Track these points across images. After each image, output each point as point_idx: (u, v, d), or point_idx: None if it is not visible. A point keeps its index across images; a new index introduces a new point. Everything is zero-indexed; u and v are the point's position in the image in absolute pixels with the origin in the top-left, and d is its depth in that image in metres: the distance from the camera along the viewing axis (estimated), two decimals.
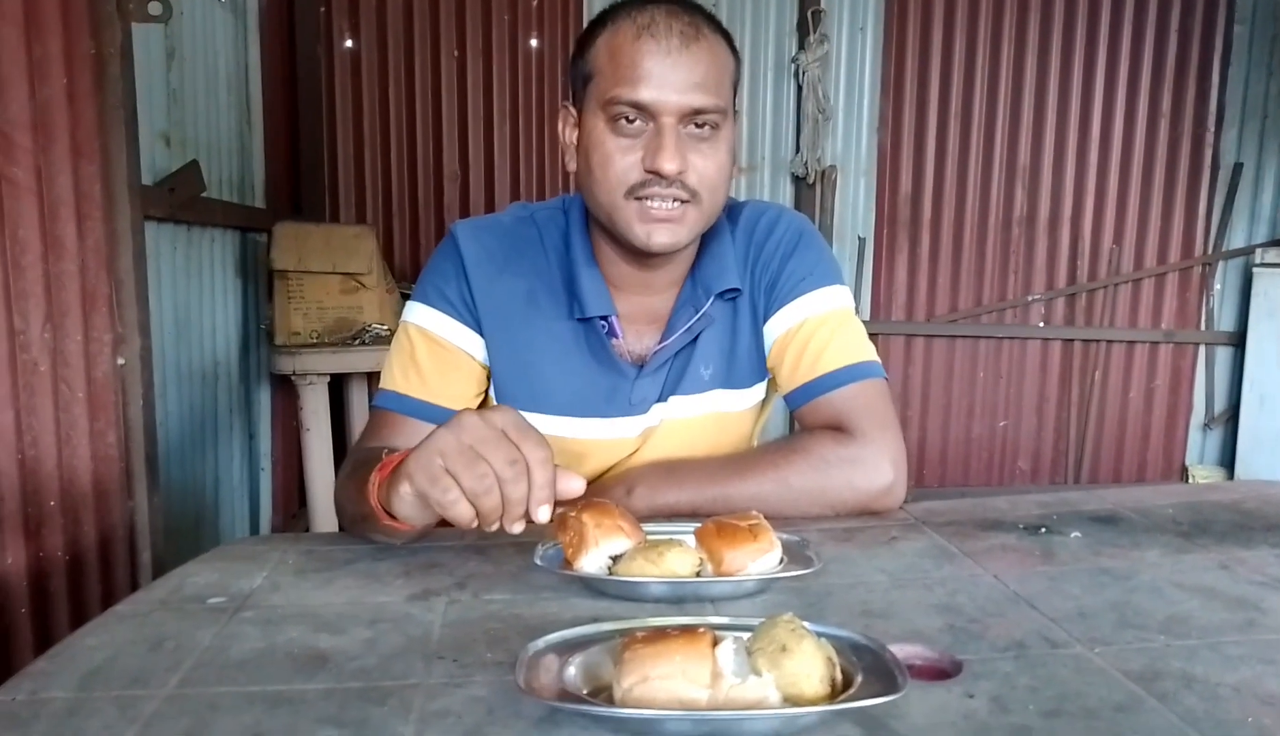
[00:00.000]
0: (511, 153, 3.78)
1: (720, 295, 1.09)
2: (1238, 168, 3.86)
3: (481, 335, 1.07)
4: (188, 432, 2.55)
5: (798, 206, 3.87)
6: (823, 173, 3.79)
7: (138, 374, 1.69)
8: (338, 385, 3.09)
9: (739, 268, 1.10)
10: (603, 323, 1.07)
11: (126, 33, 1.66)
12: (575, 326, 1.08)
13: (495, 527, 0.71)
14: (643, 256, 1.03)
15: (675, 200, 0.97)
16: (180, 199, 2.34)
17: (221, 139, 2.84)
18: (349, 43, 3.66)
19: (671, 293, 1.10)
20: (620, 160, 0.96)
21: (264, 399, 3.17)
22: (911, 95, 3.84)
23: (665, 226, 0.98)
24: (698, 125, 0.96)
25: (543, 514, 0.70)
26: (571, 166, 1.05)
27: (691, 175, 0.96)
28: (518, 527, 0.71)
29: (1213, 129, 3.85)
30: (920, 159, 3.88)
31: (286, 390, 3.07)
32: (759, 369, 1.14)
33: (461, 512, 0.70)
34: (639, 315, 1.10)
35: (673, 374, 1.10)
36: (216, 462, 2.77)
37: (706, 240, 1.09)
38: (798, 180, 3.84)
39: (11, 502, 1.37)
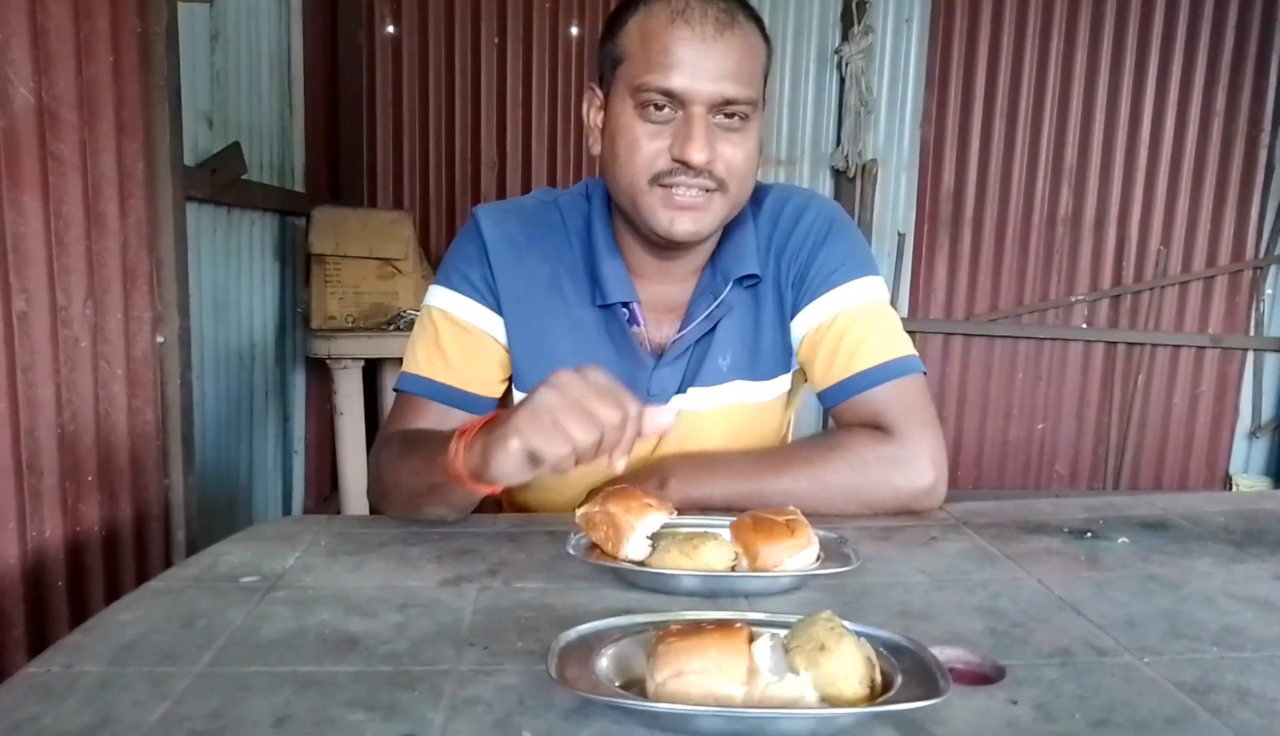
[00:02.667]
0: (550, 141, 3.77)
1: (739, 282, 1.06)
2: None
3: (503, 317, 1.06)
4: (224, 413, 2.58)
5: (837, 200, 3.82)
6: (863, 167, 3.74)
7: (176, 353, 1.71)
8: (372, 370, 3.11)
9: (760, 254, 1.07)
10: (624, 309, 1.05)
11: (173, 13, 1.67)
12: (596, 313, 1.06)
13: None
14: (664, 245, 1.01)
15: (701, 189, 0.95)
16: (221, 180, 2.36)
17: (263, 122, 2.86)
18: (391, 29, 3.67)
19: (691, 281, 1.08)
20: (647, 147, 0.94)
21: (299, 382, 3.20)
22: (956, 89, 3.77)
23: (689, 214, 0.96)
24: (727, 115, 0.94)
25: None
26: (595, 149, 1.03)
27: (719, 164, 0.94)
28: (619, 464, 0.77)
29: (1268, 129, 3.73)
30: (964, 154, 3.81)
31: (321, 374, 3.10)
32: (783, 360, 1.11)
33: (565, 462, 0.75)
34: (659, 303, 1.08)
35: (691, 364, 1.07)
36: (251, 444, 2.80)
37: (728, 227, 1.06)
38: (838, 174, 3.80)
39: (50, 476, 1.39)
